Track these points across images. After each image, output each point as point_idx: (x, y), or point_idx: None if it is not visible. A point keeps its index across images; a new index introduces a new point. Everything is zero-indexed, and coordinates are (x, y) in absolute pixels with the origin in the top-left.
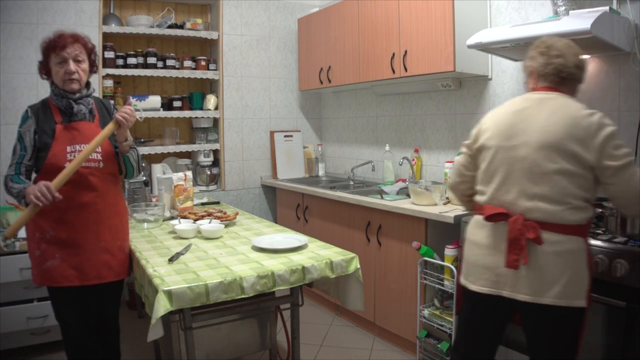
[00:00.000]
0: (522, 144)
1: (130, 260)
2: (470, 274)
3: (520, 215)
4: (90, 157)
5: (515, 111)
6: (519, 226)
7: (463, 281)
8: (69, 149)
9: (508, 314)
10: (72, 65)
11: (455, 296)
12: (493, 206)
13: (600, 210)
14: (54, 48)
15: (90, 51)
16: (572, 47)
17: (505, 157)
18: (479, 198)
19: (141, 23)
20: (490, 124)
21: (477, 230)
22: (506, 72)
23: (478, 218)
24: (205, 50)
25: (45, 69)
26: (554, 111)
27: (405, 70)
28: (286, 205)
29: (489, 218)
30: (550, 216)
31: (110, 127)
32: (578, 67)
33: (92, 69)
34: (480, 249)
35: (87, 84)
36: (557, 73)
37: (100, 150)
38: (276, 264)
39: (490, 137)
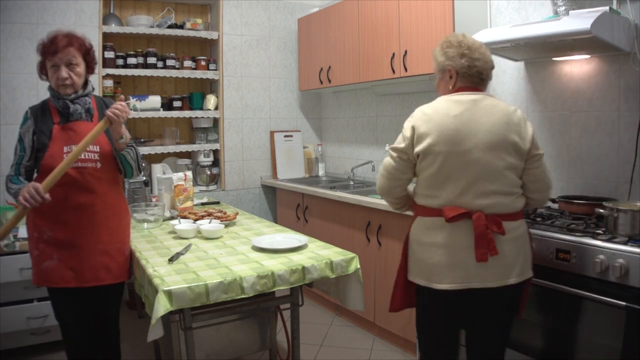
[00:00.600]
0: (473, 147)
1: (131, 263)
2: (434, 274)
3: (480, 212)
4: (86, 157)
5: (455, 115)
6: (483, 222)
7: (423, 283)
8: (65, 149)
9: (473, 304)
10: (64, 72)
11: (397, 294)
12: (452, 207)
13: (600, 210)
14: (46, 53)
15: (86, 52)
16: (485, 48)
17: (458, 161)
18: (428, 201)
19: (141, 23)
20: (429, 129)
21: (432, 232)
22: (506, 72)
23: (432, 220)
24: (205, 50)
25: (44, 70)
26: (490, 112)
27: (405, 70)
28: (286, 205)
29: (452, 219)
30: (505, 208)
31: (101, 124)
32: (492, 67)
33: (90, 69)
34: (441, 249)
35: (85, 83)
36: (479, 75)
37: (98, 150)
38: (276, 264)
39: (435, 143)
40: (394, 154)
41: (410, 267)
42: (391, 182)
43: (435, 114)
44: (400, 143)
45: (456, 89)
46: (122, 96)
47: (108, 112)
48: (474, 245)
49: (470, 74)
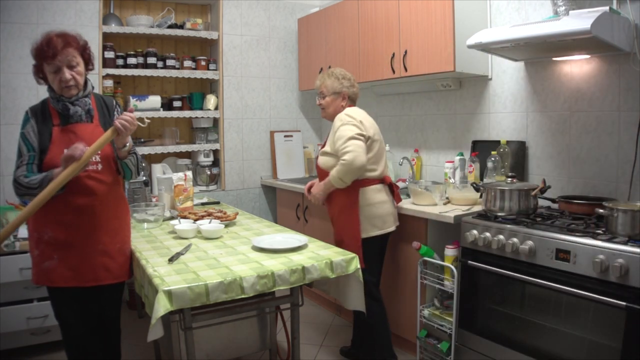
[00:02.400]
0: (382, 140)
1: (132, 263)
2: (386, 222)
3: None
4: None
5: (372, 120)
6: (393, 184)
7: (378, 232)
8: (65, 152)
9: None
10: (67, 73)
11: (365, 253)
12: (386, 176)
13: (600, 210)
14: (45, 57)
15: (82, 50)
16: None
17: (381, 148)
18: (372, 174)
19: (141, 23)
20: (368, 125)
21: (379, 194)
22: (506, 72)
23: (376, 187)
24: (205, 50)
25: (41, 73)
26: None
27: (405, 70)
28: (286, 205)
29: (387, 184)
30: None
31: (108, 134)
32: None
33: (88, 66)
34: (386, 204)
35: (85, 83)
36: (357, 96)
37: (99, 152)
38: (276, 264)
39: (374, 134)
40: (362, 138)
41: (363, 227)
42: (365, 156)
43: (366, 117)
44: (359, 131)
45: (349, 105)
46: (132, 107)
47: (116, 123)
48: (394, 198)
49: (356, 96)
